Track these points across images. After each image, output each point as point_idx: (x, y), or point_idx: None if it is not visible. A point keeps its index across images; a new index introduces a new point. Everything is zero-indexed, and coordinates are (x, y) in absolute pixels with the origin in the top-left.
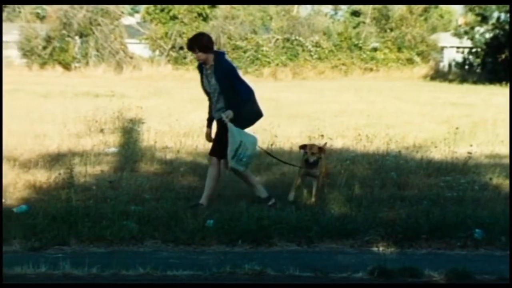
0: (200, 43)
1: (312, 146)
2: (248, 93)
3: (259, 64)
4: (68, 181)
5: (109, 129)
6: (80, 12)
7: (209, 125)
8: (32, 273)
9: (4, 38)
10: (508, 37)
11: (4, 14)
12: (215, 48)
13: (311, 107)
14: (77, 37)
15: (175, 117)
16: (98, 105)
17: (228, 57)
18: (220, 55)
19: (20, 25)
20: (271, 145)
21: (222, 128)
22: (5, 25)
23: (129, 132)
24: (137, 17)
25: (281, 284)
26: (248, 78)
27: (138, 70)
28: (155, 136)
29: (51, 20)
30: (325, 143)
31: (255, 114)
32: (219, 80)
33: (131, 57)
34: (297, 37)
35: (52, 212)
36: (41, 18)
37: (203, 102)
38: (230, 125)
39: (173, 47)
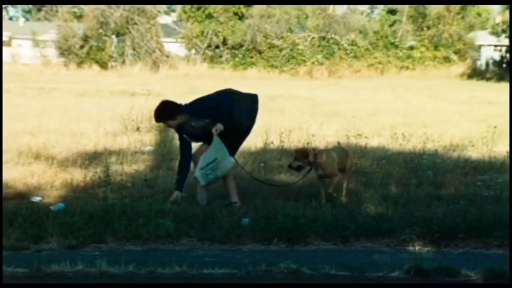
0: (165, 115)
1: (297, 151)
2: (226, 100)
3: (294, 63)
4: (105, 180)
5: (145, 127)
6: (117, 11)
7: (180, 188)
8: (69, 270)
9: (42, 37)
10: None
11: (42, 14)
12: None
13: (347, 106)
14: (113, 36)
15: None
16: (134, 104)
17: (184, 103)
18: (187, 109)
19: (57, 24)
20: (307, 144)
21: (223, 135)
22: (43, 24)
23: (165, 131)
24: (173, 16)
25: (316, 284)
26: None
27: (174, 69)
28: None
29: (88, 19)
30: (338, 142)
31: (246, 109)
32: (204, 116)
33: (167, 56)
34: (333, 36)
35: (89, 210)
36: (78, 17)
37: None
38: (217, 140)
39: (209, 45)
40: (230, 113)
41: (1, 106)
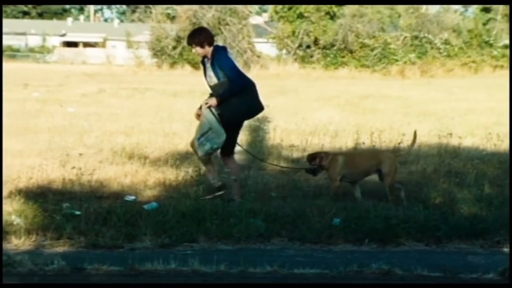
0: (197, 38)
1: (307, 155)
2: (238, 86)
3: (386, 62)
4: (197, 179)
5: None
6: (209, 12)
7: None
8: (162, 269)
9: (136, 38)
10: None
11: (136, 15)
12: (218, 43)
13: (440, 106)
14: None
15: (302, 115)
16: None
17: (229, 52)
18: (217, 49)
19: (151, 25)
20: (399, 143)
21: (228, 124)
22: (137, 26)
23: (256, 131)
24: (265, 16)
25: (409, 284)
26: (375, 77)
27: (265, 69)
28: (281, 134)
29: (181, 20)
30: (356, 145)
31: (246, 107)
32: (215, 73)
33: (258, 56)
34: (425, 35)
35: (181, 210)
36: (172, 18)
37: (330, 100)
38: (206, 111)
39: (300, 45)
40: (231, 95)
41: (1, 106)
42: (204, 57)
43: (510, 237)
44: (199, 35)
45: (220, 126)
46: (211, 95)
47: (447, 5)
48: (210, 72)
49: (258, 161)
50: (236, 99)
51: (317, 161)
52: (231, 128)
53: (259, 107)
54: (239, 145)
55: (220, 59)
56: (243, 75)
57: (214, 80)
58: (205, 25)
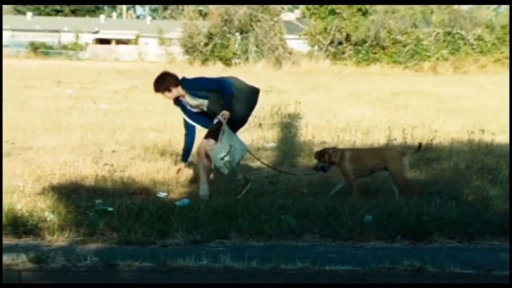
0: (162, 85)
1: (315, 152)
2: (228, 88)
3: (418, 59)
4: (227, 176)
5: (267, 124)
6: (241, 9)
7: (185, 158)
8: (194, 265)
9: (168, 35)
10: None
11: (168, 12)
12: (178, 76)
13: (472, 102)
14: (237, 34)
15: (333, 112)
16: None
17: (188, 77)
18: (184, 82)
19: (183, 22)
20: (431, 140)
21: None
22: (169, 23)
23: (288, 127)
24: (297, 13)
25: (440, 284)
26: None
27: (297, 66)
28: (313, 131)
29: (213, 17)
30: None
31: (247, 100)
32: (200, 97)
33: (290, 53)
34: (458, 31)
35: (213, 206)
36: (203, 15)
37: (362, 97)
38: (226, 127)
39: (331, 42)
40: (232, 101)
41: (1, 106)
42: (177, 98)
43: (510, 237)
44: (163, 82)
45: (237, 138)
46: (186, 134)
47: (446, 5)
48: (196, 101)
49: (290, 158)
50: (235, 100)
51: (326, 157)
52: (238, 126)
53: (255, 92)
54: (249, 152)
55: (193, 86)
56: (219, 79)
57: (204, 103)
58: (236, 22)
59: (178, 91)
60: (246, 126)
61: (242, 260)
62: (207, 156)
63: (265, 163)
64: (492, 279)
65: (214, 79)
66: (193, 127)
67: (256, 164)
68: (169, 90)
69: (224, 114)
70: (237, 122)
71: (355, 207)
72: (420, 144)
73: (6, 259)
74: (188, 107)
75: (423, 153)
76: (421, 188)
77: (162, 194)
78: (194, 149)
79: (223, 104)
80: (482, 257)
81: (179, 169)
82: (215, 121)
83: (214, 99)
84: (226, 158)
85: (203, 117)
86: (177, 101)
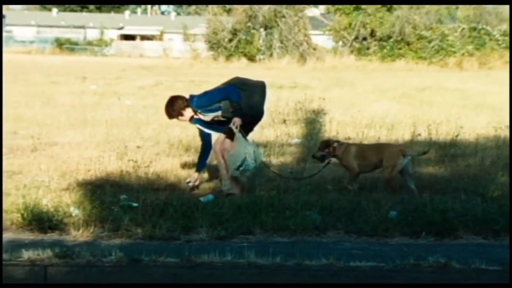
0: (174, 111)
1: (321, 142)
2: (233, 93)
3: (444, 54)
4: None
5: (292, 120)
6: (265, 5)
7: (200, 168)
8: (218, 261)
9: (192, 31)
10: None
11: (192, 8)
12: (186, 96)
13: (498, 98)
14: (262, 29)
15: (358, 108)
16: (281, 96)
17: (194, 94)
18: (192, 101)
19: (207, 18)
20: (456, 136)
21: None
22: (193, 18)
23: (312, 123)
24: (321, 9)
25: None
26: (432, 69)
27: (321, 61)
28: (337, 127)
29: (237, 13)
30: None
31: (255, 96)
32: (213, 111)
33: (314, 49)
34: (484, 26)
35: (237, 202)
36: (228, 11)
37: (387, 92)
38: (239, 135)
39: (356, 37)
40: (239, 105)
41: (1, 105)
42: (191, 117)
43: (510, 237)
44: (173, 107)
45: (252, 145)
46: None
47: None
48: (209, 117)
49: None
50: (244, 105)
51: (330, 149)
52: (254, 124)
53: (260, 86)
54: (263, 163)
55: (201, 105)
56: (223, 88)
57: (219, 114)
58: (261, 17)
59: (190, 111)
60: (269, 121)
61: (266, 256)
62: (224, 152)
63: (274, 171)
64: (463, 281)
65: (218, 90)
66: (209, 135)
67: (279, 160)
68: (181, 114)
69: (236, 122)
70: (253, 121)
71: (379, 203)
72: (428, 149)
73: (32, 254)
74: (206, 121)
75: (448, 149)
76: (399, 190)
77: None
78: (209, 159)
79: (232, 111)
80: (507, 253)
81: (194, 185)
82: (230, 127)
83: (227, 106)
84: (242, 168)
85: (219, 125)
86: (192, 120)
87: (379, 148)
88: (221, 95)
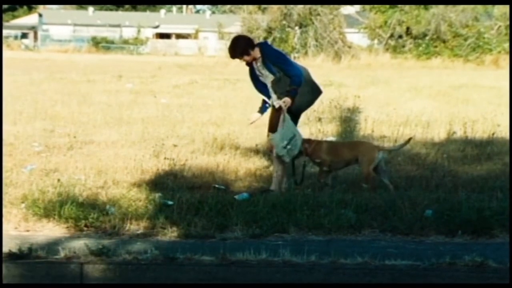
0: (240, 48)
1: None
2: (299, 77)
3: (480, 52)
4: (288, 169)
5: (326, 118)
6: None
7: (261, 111)
8: (253, 259)
9: (227, 29)
10: None
11: (227, 6)
12: (256, 40)
13: None
14: (296, 28)
15: (393, 106)
16: None
17: (272, 44)
18: (263, 46)
19: (242, 16)
20: (493, 134)
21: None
22: (228, 17)
23: (347, 121)
24: (356, 7)
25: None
26: (468, 66)
27: (356, 59)
28: (372, 125)
29: (272, 11)
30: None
31: (308, 95)
32: (270, 70)
33: (349, 47)
34: None
35: (272, 200)
36: (263, 9)
37: (422, 90)
38: (287, 116)
39: (391, 35)
40: (296, 88)
41: (1, 105)
42: (253, 60)
43: (510, 237)
44: (240, 45)
45: (297, 129)
46: (264, 101)
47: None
48: (264, 71)
49: None
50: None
51: (304, 145)
52: (295, 118)
53: (318, 91)
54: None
55: (270, 55)
56: (295, 64)
57: (270, 77)
58: (295, 16)
59: (255, 53)
60: (304, 119)
61: (301, 254)
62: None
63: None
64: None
65: (290, 61)
66: (265, 88)
67: None
68: (248, 54)
69: (286, 102)
70: (291, 113)
71: (415, 202)
72: (409, 139)
73: (68, 252)
74: (257, 72)
75: (485, 147)
76: (377, 186)
77: (222, 188)
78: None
79: (288, 90)
80: None
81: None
82: (275, 103)
83: (281, 80)
84: (289, 146)
85: (264, 86)
86: (251, 64)
87: (354, 145)
88: (289, 68)
